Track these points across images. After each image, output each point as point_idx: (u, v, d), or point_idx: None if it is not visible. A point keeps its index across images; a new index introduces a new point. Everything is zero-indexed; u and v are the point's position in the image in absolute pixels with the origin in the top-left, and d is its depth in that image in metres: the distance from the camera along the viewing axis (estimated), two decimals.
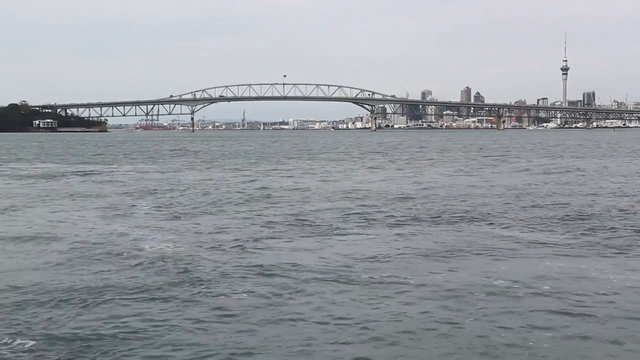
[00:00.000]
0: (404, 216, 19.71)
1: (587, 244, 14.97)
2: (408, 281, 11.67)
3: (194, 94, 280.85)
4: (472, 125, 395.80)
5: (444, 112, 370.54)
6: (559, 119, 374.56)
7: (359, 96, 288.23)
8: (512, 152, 69.03)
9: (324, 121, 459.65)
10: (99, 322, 9.44)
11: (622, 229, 16.93)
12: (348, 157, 61.16)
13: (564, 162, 50.12)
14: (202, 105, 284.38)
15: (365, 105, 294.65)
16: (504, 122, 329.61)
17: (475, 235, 16.37)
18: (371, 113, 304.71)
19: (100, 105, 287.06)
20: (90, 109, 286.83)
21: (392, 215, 19.84)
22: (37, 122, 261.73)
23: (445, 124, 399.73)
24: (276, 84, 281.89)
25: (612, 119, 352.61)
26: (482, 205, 22.31)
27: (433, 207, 21.72)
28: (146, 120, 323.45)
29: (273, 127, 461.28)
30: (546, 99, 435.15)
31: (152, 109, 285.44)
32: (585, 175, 36.23)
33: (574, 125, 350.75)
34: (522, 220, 18.80)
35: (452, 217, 19.51)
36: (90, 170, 42.87)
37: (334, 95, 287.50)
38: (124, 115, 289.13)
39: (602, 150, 72.44)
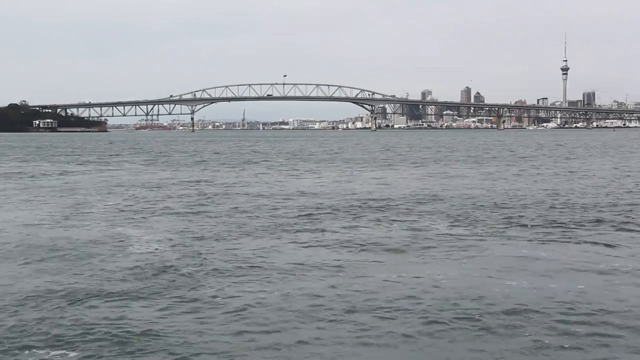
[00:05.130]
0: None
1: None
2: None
3: (194, 94, 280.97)
4: (472, 125, 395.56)
5: (444, 112, 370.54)
6: (559, 119, 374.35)
7: (359, 96, 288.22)
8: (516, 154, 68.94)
9: (324, 121, 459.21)
10: (95, 323, 9.50)
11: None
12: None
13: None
14: (202, 105, 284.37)
15: (365, 105, 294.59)
16: (504, 122, 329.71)
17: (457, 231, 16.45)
18: (371, 113, 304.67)
19: (100, 105, 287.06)
20: (90, 109, 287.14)
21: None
22: (37, 122, 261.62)
23: (445, 124, 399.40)
24: (276, 84, 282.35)
25: (612, 119, 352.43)
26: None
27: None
28: (146, 120, 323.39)
29: (273, 127, 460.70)
30: (546, 99, 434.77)
31: (152, 109, 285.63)
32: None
33: (574, 125, 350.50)
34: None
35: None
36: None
37: (334, 95, 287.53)
38: (124, 115, 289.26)
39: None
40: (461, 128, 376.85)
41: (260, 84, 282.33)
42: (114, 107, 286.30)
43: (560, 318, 9.43)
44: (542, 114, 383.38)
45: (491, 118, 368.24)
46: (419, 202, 23.15)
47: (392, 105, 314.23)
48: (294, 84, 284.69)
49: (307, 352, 8.29)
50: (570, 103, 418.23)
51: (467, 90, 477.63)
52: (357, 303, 10.23)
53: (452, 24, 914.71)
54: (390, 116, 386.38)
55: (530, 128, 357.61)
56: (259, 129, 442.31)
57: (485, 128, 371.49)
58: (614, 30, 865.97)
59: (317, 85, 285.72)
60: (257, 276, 12.02)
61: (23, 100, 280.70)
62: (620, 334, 8.78)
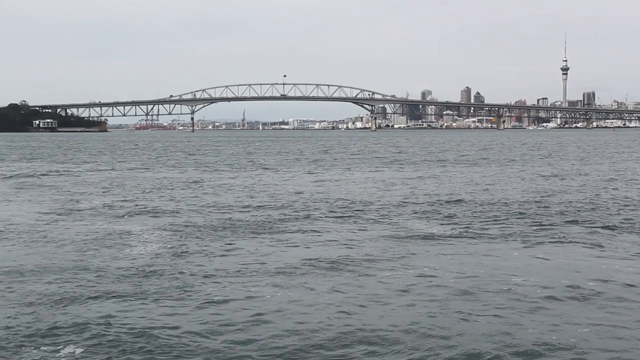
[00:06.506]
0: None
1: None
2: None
3: (194, 94, 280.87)
4: (472, 125, 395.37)
5: (444, 112, 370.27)
6: (559, 119, 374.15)
7: (359, 96, 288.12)
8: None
9: (324, 121, 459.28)
10: (94, 322, 9.51)
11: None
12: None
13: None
14: (202, 105, 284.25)
15: (365, 105, 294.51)
16: (504, 122, 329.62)
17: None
18: (371, 113, 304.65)
19: (100, 105, 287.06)
20: (90, 109, 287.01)
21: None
22: (37, 122, 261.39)
23: (445, 124, 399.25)
24: (276, 84, 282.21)
25: (612, 119, 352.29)
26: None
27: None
28: (146, 120, 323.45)
29: (273, 127, 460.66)
30: (546, 99, 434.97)
31: (152, 109, 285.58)
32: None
33: (574, 125, 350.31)
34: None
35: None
36: None
37: (334, 95, 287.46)
38: (124, 115, 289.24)
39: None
40: (461, 128, 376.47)
41: (260, 84, 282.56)
42: (114, 107, 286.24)
43: (560, 319, 9.45)
44: (542, 114, 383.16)
45: (491, 118, 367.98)
46: (420, 202, 23.17)
47: (392, 105, 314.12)
48: (294, 84, 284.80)
49: (306, 352, 8.30)
50: (570, 103, 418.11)
51: (467, 90, 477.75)
52: (359, 303, 10.24)
53: (452, 24, 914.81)
54: (390, 116, 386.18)
55: (530, 128, 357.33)
56: (259, 129, 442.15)
57: (485, 128, 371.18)
58: (614, 30, 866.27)
59: (317, 85, 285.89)
60: (257, 277, 12.02)
61: (23, 100, 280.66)
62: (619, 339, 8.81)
